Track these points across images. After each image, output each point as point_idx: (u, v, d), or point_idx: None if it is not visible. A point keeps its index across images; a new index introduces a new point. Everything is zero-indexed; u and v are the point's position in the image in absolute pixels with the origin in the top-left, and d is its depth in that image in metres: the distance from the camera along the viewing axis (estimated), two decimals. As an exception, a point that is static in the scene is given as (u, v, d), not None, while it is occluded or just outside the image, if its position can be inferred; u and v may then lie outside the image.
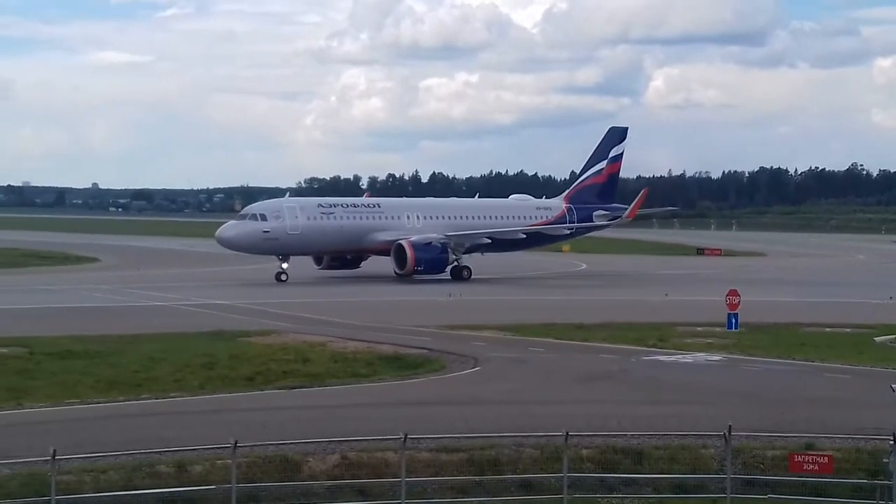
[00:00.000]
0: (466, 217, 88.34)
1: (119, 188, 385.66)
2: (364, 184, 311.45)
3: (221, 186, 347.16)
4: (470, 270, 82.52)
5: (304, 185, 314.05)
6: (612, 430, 28.03)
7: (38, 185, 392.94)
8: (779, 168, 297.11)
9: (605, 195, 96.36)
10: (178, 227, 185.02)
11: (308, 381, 37.24)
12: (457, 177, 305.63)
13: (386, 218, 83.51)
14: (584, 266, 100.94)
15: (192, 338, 47.03)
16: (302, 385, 36.51)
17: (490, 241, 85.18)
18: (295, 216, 78.38)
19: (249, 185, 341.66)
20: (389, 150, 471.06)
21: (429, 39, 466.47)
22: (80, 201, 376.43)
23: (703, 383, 37.95)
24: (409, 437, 23.95)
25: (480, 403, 33.50)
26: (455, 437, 27.30)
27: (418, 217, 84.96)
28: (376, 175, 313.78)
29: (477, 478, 26.09)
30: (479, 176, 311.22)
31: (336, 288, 74.52)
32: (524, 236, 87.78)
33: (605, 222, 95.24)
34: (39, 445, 23.99)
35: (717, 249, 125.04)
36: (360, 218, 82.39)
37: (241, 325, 51.88)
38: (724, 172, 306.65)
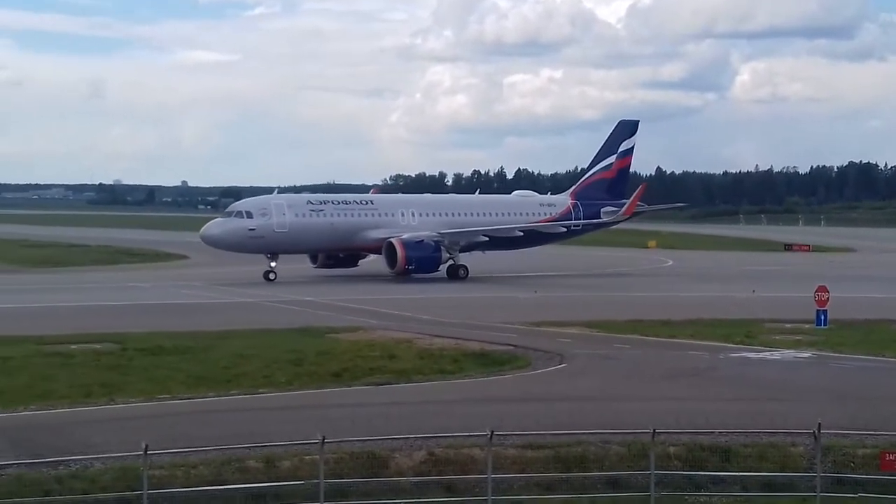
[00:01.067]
0: (464, 214, 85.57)
1: (208, 186, 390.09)
2: (450, 181, 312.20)
3: (308, 184, 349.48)
4: (467, 269, 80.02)
5: (389, 181, 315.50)
6: (700, 427, 27.76)
7: (129, 183, 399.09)
8: (868, 162, 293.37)
9: (615, 191, 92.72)
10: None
11: (395, 377, 37.42)
12: (542, 173, 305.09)
13: (379, 215, 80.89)
14: (671, 262, 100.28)
15: (280, 334, 47.46)
16: (389, 381, 36.70)
17: (487, 238, 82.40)
18: (282, 213, 76.14)
19: (336, 181, 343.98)
20: (474, 147, 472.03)
21: (513, 35, 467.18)
22: (169, 199, 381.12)
23: (791, 380, 37.58)
24: (495, 433, 23.96)
25: (567, 400, 33.44)
26: (541, 434, 27.31)
27: (413, 214, 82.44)
28: (461, 171, 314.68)
29: (563, 475, 26.07)
30: (564, 172, 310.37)
31: (419, 286, 74.67)
32: (521, 234, 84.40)
33: (612, 219, 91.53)
34: (132, 440, 24.36)
35: (806, 245, 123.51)
36: (352, 215, 79.75)
37: (328, 321, 52.28)
38: (812, 167, 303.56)
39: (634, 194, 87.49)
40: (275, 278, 74.64)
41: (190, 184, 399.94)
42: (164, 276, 78.88)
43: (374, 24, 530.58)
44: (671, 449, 27.10)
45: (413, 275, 76.28)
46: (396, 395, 34.43)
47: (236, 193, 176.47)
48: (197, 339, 45.07)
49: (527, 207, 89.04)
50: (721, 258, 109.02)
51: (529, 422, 28.42)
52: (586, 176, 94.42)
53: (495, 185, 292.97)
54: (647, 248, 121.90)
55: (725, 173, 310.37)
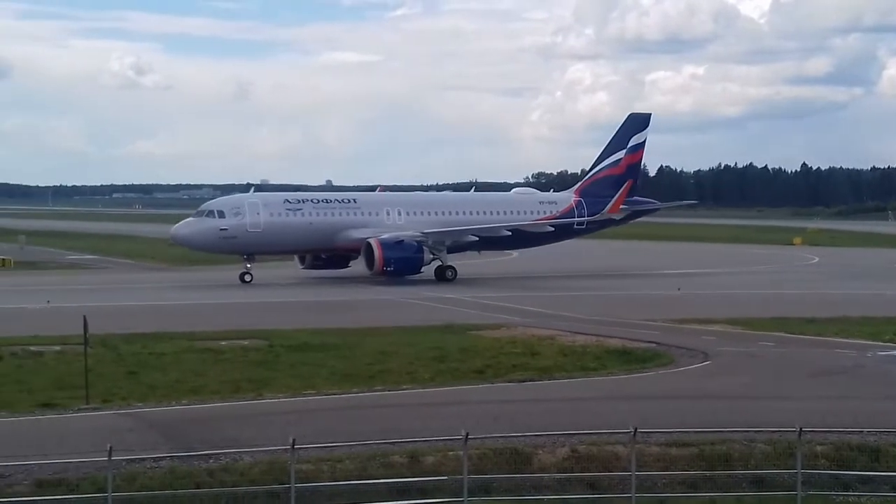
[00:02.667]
0: (455, 213, 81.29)
1: (351, 185, 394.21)
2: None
3: (450, 182, 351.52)
4: (454, 271, 76.23)
5: (531, 179, 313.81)
6: (848, 426, 27.32)
7: (276, 182, 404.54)
8: None
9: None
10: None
11: (537, 374, 37.50)
12: (684, 170, 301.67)
13: (362, 214, 77.14)
14: (816, 259, 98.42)
15: (422, 331, 47.92)
16: (531, 378, 36.78)
17: (477, 238, 78.53)
18: (256, 212, 73.26)
19: (478, 180, 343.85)
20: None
21: (654, 32, 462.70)
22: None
23: (943, 379, 36.69)
24: (638, 430, 23.89)
25: (711, 398, 33.17)
26: (685, 432, 27.11)
27: (399, 213, 78.62)
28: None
29: (707, 473, 25.86)
30: (707, 169, 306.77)
31: (561, 282, 74.58)
32: (509, 233, 79.37)
33: (598, 216, 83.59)
34: (279, 435, 24.87)
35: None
36: (333, 214, 76.24)
37: (469, 318, 52.60)
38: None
39: (621, 191, 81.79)
40: (251, 280, 72.29)
41: (334, 183, 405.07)
42: (309, 274, 79.95)
43: (515, 24, 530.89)
44: (818, 448, 26.68)
45: (394, 276, 72.43)
46: (539, 392, 34.52)
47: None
48: (342, 336, 45.74)
49: (524, 206, 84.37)
50: (869, 255, 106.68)
51: (673, 419, 28.26)
52: (592, 172, 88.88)
53: (637, 183, 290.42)
54: (793, 244, 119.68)
55: (874, 169, 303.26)
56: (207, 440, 27.20)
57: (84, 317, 33.88)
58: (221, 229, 72.04)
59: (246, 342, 44.26)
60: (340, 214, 76.40)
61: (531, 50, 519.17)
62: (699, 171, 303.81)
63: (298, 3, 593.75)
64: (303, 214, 74.97)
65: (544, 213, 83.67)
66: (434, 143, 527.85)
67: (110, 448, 21.82)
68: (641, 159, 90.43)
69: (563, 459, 26.37)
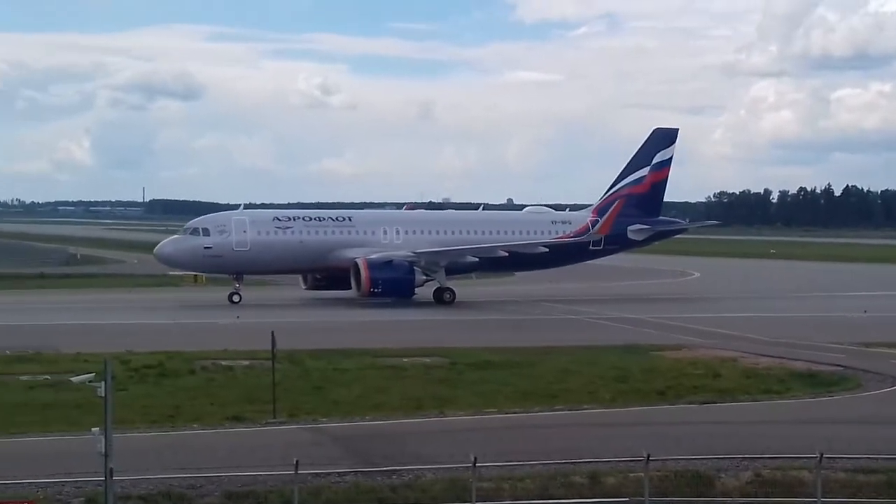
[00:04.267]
0: (456, 232, 77.39)
1: (532, 203, 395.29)
2: (775, 198, 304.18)
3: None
4: (453, 293, 72.87)
5: (712, 199, 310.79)
6: None
7: (458, 201, 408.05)
8: None
9: (647, 207, 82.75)
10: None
11: (719, 396, 37.03)
12: (871, 190, 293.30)
13: (357, 233, 74.23)
14: None
15: (604, 351, 47.77)
16: (713, 400, 36.35)
17: (477, 259, 74.60)
18: (243, 230, 70.92)
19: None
20: (799, 164, 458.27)
21: (841, 49, 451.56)
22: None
23: None
24: (824, 455, 23.44)
25: (900, 424, 32.29)
26: (873, 458, 26.48)
27: (398, 232, 75.22)
28: (786, 189, 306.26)
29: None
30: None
31: (741, 303, 73.41)
32: (506, 254, 74.89)
33: (585, 237, 78.14)
34: (461, 452, 25.10)
35: None
36: (325, 233, 73.38)
37: (651, 338, 52.23)
38: None
39: (610, 210, 76.43)
40: (239, 301, 69.70)
41: (515, 201, 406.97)
42: (490, 293, 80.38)
43: (698, 41, 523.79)
44: None
45: (381, 299, 69.46)
46: (721, 415, 34.08)
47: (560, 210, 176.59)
48: (523, 355, 45.89)
49: (534, 225, 79.88)
50: None
51: (860, 445, 27.59)
52: (613, 190, 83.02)
53: (822, 201, 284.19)
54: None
55: None
56: (390, 456, 27.61)
57: (272, 332, 34.77)
58: (206, 248, 70.03)
59: (428, 360, 44.78)
60: (333, 233, 73.64)
61: (714, 67, 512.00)
62: (887, 190, 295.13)
63: (481, 24, 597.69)
64: (292, 232, 72.50)
65: (556, 233, 78.77)
66: (614, 162, 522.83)
67: (296, 462, 22.36)
68: (667, 177, 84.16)
69: (745, 484, 25.95)
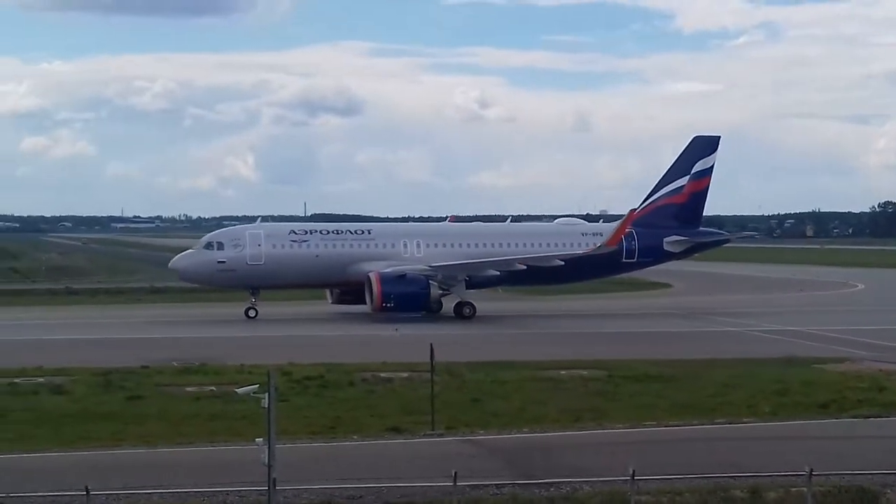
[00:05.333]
0: (481, 245, 74.96)
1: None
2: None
3: (791, 212, 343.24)
4: (473, 308, 70.64)
5: (877, 208, 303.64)
6: None
7: (615, 213, 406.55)
8: None
9: (686, 217, 79.49)
10: (743, 253, 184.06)
11: (884, 410, 36.15)
12: None
13: (376, 246, 72.32)
14: None
15: (763, 364, 47.05)
16: (878, 414, 35.50)
17: (499, 273, 72.08)
18: (257, 244, 69.67)
19: (820, 209, 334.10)
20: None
21: None
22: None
23: None
24: None
25: None
26: None
27: (419, 245, 73.11)
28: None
29: None
30: None
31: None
32: (524, 267, 71.63)
33: (591, 250, 73.58)
34: (619, 465, 25.07)
35: None
36: (343, 246, 71.67)
37: (812, 351, 51.26)
38: None
39: (622, 221, 73.65)
40: (255, 316, 69.19)
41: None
42: (647, 305, 79.82)
43: (862, 49, 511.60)
44: None
45: (395, 313, 66.89)
46: (886, 429, 33.28)
47: (718, 223, 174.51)
48: (681, 368, 45.46)
49: (562, 237, 76.01)
50: None
51: None
52: (650, 200, 79.81)
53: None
54: None
55: None
56: (548, 468, 27.66)
57: (430, 345, 35.12)
58: (219, 262, 68.93)
59: (585, 372, 44.67)
60: (351, 246, 71.97)
61: (879, 76, 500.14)
62: None
63: (639, 34, 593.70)
64: (308, 246, 71.07)
65: (587, 244, 74.35)
66: (774, 172, 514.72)
67: (455, 474, 22.60)
68: (707, 187, 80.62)
69: (913, 500, 25.36)
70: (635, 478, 22.76)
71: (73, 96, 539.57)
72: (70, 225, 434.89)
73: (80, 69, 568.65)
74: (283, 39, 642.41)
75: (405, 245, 72.97)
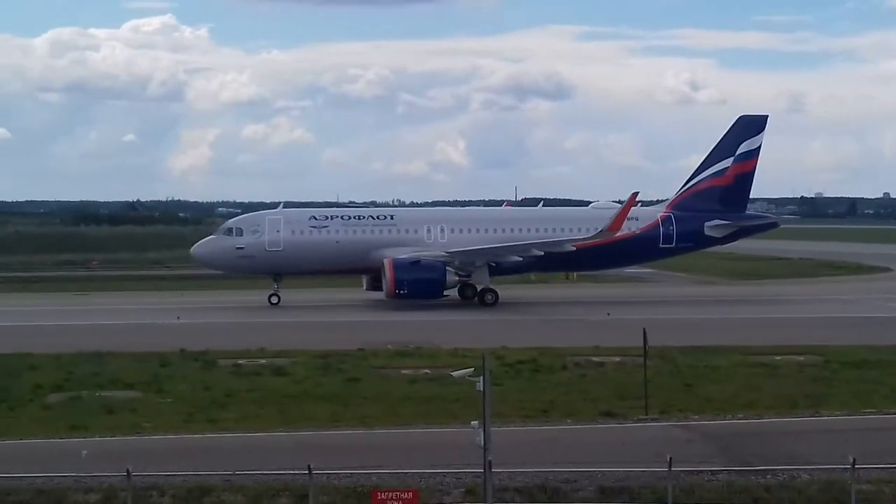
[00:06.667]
0: (508, 230, 72.40)
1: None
2: None
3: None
4: (495, 294, 68.83)
5: None
6: None
7: (830, 195, 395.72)
8: None
9: (731, 201, 75.62)
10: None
11: None
12: None
13: (399, 231, 70.82)
14: None
15: None
16: None
17: (521, 258, 69.37)
18: (276, 230, 68.84)
19: None
20: None
21: None
22: (871, 211, 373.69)
23: None
24: None
25: None
26: None
27: (442, 230, 71.31)
28: None
29: None
30: None
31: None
32: (541, 253, 68.96)
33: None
34: (838, 453, 24.65)
35: None
36: (363, 232, 70.34)
37: None
38: None
39: (624, 204, 69.13)
40: (278, 302, 68.71)
41: (892, 195, 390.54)
42: (866, 290, 77.66)
43: None
44: None
45: (409, 300, 65.84)
46: None
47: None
48: (901, 354, 44.28)
49: (594, 223, 70.48)
50: None
51: None
52: (691, 183, 76.41)
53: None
54: None
55: None
56: (763, 455, 27.42)
57: (644, 329, 35.06)
58: (238, 248, 68.50)
59: (801, 358, 43.93)
60: (373, 232, 70.69)
61: None
62: None
63: (855, 13, 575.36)
64: (328, 232, 70.04)
65: (621, 230, 70.38)
66: None
67: (670, 459, 22.59)
68: (754, 169, 76.47)
69: None
70: (856, 466, 22.34)
71: (291, 84, 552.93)
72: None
73: (297, 58, 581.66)
74: (494, 25, 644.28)
75: (429, 230, 71.66)
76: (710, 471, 25.89)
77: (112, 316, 61.98)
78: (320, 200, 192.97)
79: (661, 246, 74.18)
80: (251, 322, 59.93)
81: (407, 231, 71.33)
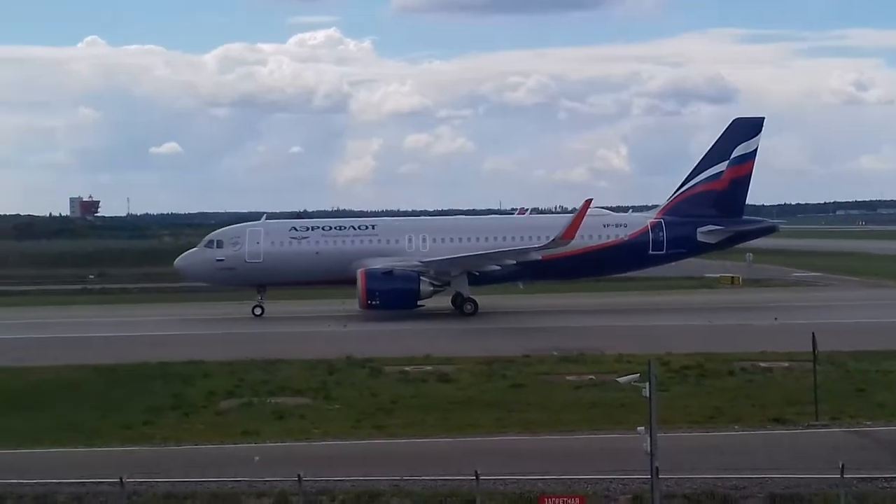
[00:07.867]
0: (490, 239, 70.01)
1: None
2: None
3: None
4: (475, 304, 67.26)
5: None
6: None
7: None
8: None
9: (726, 206, 72.46)
10: None
11: None
12: None
13: (380, 241, 69.49)
14: None
15: None
16: None
17: (498, 267, 67.52)
18: (256, 242, 68.27)
19: None
20: None
21: None
22: None
23: None
24: None
25: None
26: None
27: (424, 239, 69.74)
28: None
29: None
30: None
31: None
32: (513, 261, 67.30)
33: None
34: None
35: None
36: (344, 242, 69.30)
37: None
38: None
39: (578, 211, 65.99)
40: (261, 314, 67.91)
41: None
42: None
43: None
44: None
45: (381, 311, 64.75)
46: None
47: None
48: None
49: (582, 230, 66.70)
50: None
51: None
52: (685, 187, 73.44)
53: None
54: None
55: None
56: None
57: (812, 334, 34.40)
58: (218, 260, 68.24)
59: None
60: (353, 242, 69.76)
61: None
62: None
63: None
64: (308, 243, 69.32)
65: (609, 237, 70.64)
66: None
67: (842, 466, 22.17)
68: (750, 172, 73.49)
69: None
70: None
71: (452, 94, 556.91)
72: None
73: (458, 67, 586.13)
74: (653, 30, 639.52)
75: (410, 240, 70.48)
76: (885, 478, 25.31)
77: (279, 325, 63.34)
78: (482, 208, 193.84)
79: (650, 253, 72.10)
80: (415, 329, 60.37)
81: (388, 241, 70.46)
